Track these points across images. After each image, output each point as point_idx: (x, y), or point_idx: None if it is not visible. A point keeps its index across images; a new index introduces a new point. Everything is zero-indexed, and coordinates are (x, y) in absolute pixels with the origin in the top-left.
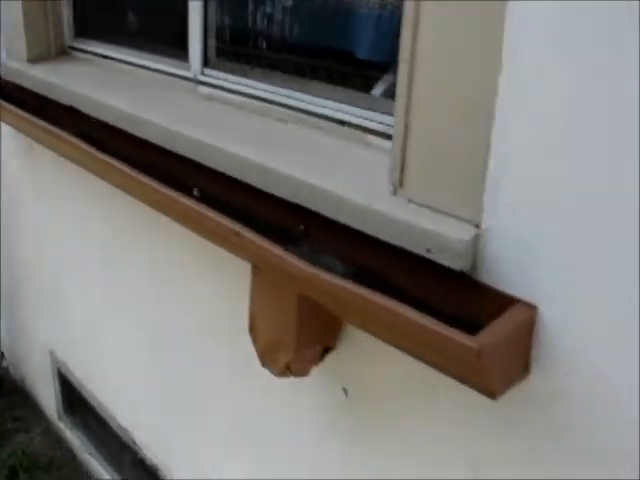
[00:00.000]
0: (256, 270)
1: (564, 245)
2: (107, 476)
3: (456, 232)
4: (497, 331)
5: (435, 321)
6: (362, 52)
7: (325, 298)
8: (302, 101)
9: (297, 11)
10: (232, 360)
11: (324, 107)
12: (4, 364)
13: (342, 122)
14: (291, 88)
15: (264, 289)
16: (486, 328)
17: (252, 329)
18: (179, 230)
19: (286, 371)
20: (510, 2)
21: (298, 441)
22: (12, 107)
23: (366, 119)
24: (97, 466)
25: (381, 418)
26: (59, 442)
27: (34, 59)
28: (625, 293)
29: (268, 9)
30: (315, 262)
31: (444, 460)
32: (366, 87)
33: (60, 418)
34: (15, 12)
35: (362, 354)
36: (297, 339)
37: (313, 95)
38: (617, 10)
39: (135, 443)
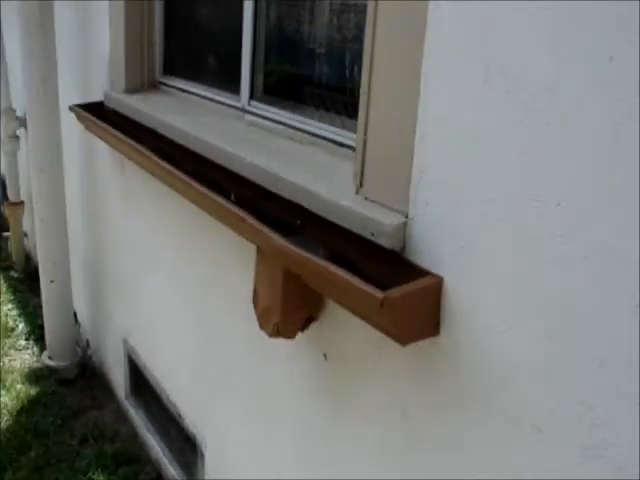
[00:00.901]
0: (259, 252)
1: (463, 232)
2: (158, 448)
3: (389, 220)
4: (401, 290)
5: (361, 281)
6: None
7: (300, 269)
8: (318, 128)
9: (325, 58)
10: (250, 336)
11: (330, 132)
12: (89, 352)
13: (341, 144)
14: (312, 118)
15: (264, 267)
16: (393, 288)
17: (254, 300)
18: (223, 230)
19: (276, 332)
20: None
21: (292, 400)
22: (110, 128)
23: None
24: (152, 440)
25: (349, 378)
26: (125, 419)
27: (130, 91)
28: (509, 267)
29: (299, 58)
30: (304, 248)
31: (385, 412)
32: None
33: (127, 398)
34: (118, 54)
35: (339, 324)
36: (282, 305)
37: (325, 123)
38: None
39: (180, 416)
